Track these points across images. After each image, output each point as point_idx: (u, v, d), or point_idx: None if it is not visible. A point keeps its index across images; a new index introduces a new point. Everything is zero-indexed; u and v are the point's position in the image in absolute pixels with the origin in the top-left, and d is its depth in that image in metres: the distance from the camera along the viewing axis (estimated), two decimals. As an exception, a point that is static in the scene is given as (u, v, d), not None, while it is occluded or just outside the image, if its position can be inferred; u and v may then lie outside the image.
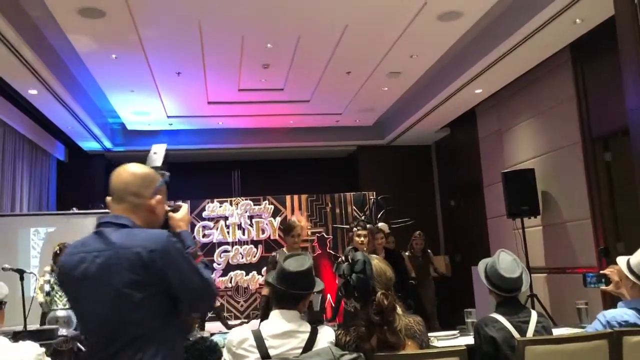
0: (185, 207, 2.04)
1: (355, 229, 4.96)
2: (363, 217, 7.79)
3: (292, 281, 2.31)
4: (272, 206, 9.10)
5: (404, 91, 7.94)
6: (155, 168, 2.01)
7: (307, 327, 2.24)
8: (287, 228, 4.86)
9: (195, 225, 8.89)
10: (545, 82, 6.59)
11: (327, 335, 2.24)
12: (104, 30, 5.48)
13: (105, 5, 5.01)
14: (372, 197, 9.34)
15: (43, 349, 2.17)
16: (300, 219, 4.83)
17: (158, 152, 2.14)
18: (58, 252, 5.61)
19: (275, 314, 2.28)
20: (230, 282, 8.68)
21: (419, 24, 5.73)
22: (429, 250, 7.98)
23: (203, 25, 5.60)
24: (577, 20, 5.22)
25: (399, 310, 2.37)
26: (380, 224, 5.87)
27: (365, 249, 4.73)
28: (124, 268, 1.70)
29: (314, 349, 2.15)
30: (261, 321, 2.36)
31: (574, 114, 6.12)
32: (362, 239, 4.83)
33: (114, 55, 6.15)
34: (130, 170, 1.88)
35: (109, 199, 1.87)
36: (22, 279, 4.24)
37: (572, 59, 6.12)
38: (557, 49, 5.98)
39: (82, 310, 1.81)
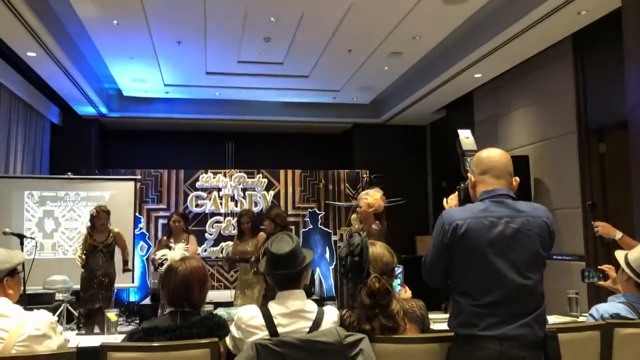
0: None
1: None
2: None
3: (289, 262, 2.34)
4: (266, 180, 9.15)
5: (404, 71, 7.95)
6: (474, 151, 2.42)
7: (314, 307, 2.31)
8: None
9: (188, 195, 8.93)
10: (545, 71, 6.63)
11: (332, 315, 2.31)
12: (108, -5, 5.43)
13: (111, -29, 4.95)
14: (365, 176, 9.42)
15: (55, 317, 2.22)
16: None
17: (469, 137, 2.51)
18: (94, 214, 5.60)
19: (282, 295, 2.34)
20: (221, 253, 8.77)
21: (425, 6, 5.72)
22: None
23: (208, -4, 5.56)
24: (582, 11, 5.25)
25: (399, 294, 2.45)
26: None
27: None
28: (536, 232, 2.12)
29: (320, 329, 2.22)
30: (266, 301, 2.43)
31: (572, 103, 6.18)
32: None
33: (115, 21, 6.09)
34: (504, 153, 2.28)
35: (477, 176, 2.25)
36: (22, 243, 4.28)
37: (574, 49, 6.15)
38: (560, 38, 6.02)
39: (484, 266, 2.09)
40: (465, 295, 2.13)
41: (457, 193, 2.45)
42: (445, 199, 2.58)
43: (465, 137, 2.53)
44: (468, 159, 2.38)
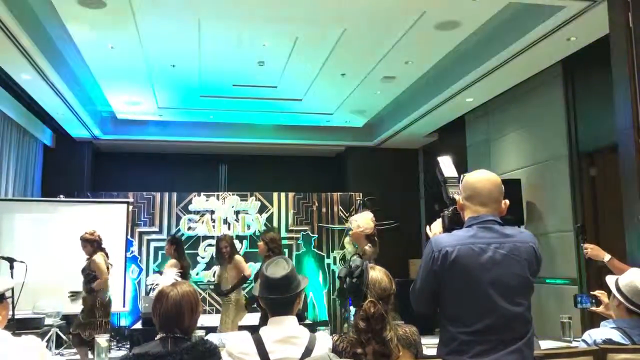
0: None
1: None
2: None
3: (283, 286, 2.33)
4: (259, 202, 9.14)
5: (397, 95, 8.02)
6: (454, 178, 2.44)
7: (306, 333, 2.29)
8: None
9: (180, 218, 8.89)
10: (536, 95, 6.71)
11: (324, 341, 2.30)
12: (103, 20, 5.45)
13: (107, -4, 5.00)
14: (358, 198, 9.42)
15: (45, 343, 2.19)
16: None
17: (450, 164, 2.51)
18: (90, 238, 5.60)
19: (273, 320, 2.33)
20: (213, 276, 8.69)
21: (417, 32, 5.80)
22: None
23: (202, 22, 5.61)
24: (571, 38, 5.34)
25: (395, 320, 2.43)
26: None
27: None
28: (524, 257, 2.12)
29: (313, 355, 2.20)
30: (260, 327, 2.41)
31: (562, 127, 6.25)
32: None
33: (110, 45, 6.12)
34: (492, 179, 2.25)
35: (463, 200, 2.24)
36: (12, 267, 4.24)
37: (563, 74, 6.25)
38: (549, 63, 6.11)
39: (475, 293, 2.08)
40: (455, 322, 2.12)
41: (441, 220, 2.44)
42: (427, 226, 2.56)
43: (446, 164, 2.55)
44: (449, 187, 2.40)
